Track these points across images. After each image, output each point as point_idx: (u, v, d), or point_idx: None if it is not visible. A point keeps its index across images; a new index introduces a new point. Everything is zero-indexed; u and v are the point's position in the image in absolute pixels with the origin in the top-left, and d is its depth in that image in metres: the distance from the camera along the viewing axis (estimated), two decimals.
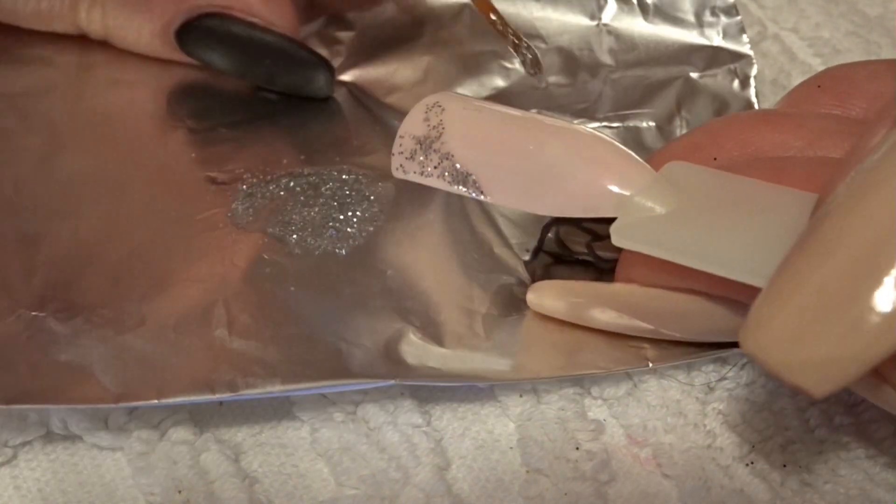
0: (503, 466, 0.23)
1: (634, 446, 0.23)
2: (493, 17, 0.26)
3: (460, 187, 0.23)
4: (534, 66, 0.25)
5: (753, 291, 0.21)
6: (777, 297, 0.18)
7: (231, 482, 0.23)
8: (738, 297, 0.22)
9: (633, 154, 0.23)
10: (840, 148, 0.22)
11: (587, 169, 0.22)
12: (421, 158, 0.23)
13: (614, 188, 0.22)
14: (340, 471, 0.23)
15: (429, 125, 0.23)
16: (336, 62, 0.31)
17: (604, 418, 0.24)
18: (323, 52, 0.31)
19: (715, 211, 0.21)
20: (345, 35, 0.32)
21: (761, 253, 0.20)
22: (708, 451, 0.23)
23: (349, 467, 0.23)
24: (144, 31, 0.29)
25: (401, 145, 0.24)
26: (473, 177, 0.23)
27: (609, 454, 0.23)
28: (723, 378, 0.24)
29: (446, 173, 0.23)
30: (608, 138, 0.23)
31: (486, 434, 0.24)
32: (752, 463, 0.23)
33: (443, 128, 0.23)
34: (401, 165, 0.24)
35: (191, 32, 0.28)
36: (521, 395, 0.24)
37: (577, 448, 0.23)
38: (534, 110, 0.24)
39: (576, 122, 0.29)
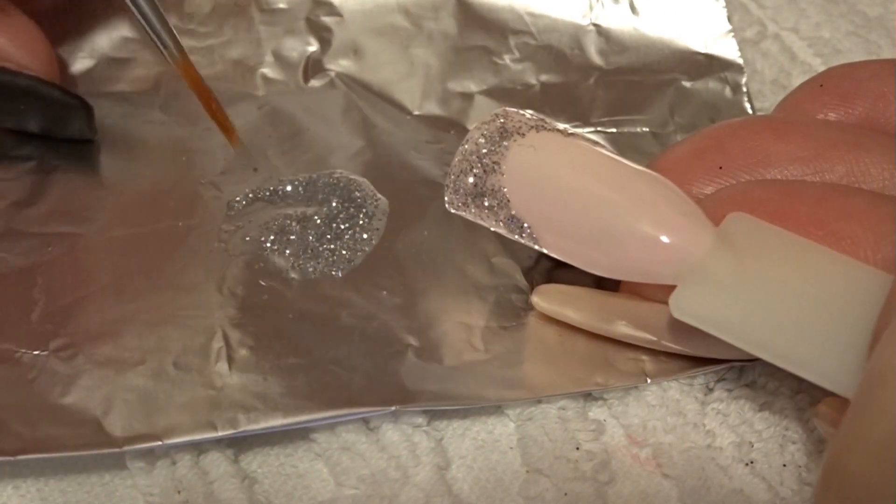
0: (503, 466, 0.23)
1: (634, 446, 0.23)
2: (213, 105, 0.27)
3: (515, 235, 0.23)
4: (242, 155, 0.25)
5: None
6: (863, 426, 0.17)
7: (230, 482, 0.23)
8: None
9: (695, 208, 0.22)
10: (845, 160, 0.22)
11: (647, 232, 0.21)
12: (475, 201, 0.23)
13: (674, 255, 0.21)
14: (340, 471, 0.23)
15: (484, 165, 0.23)
16: (324, 50, 0.31)
17: (604, 418, 0.24)
18: (311, 37, 0.31)
19: (780, 286, 0.21)
20: (331, 20, 0.31)
21: (829, 350, 0.20)
22: (707, 450, 0.23)
23: (348, 467, 0.23)
24: None
25: (455, 182, 0.23)
26: (528, 228, 0.22)
27: (609, 454, 0.23)
28: (722, 378, 0.24)
29: (501, 219, 0.23)
30: (673, 189, 0.22)
31: (486, 434, 0.24)
32: (751, 463, 0.23)
33: (500, 170, 0.22)
34: (452, 201, 0.23)
35: None
36: None
37: (578, 448, 0.23)
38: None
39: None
